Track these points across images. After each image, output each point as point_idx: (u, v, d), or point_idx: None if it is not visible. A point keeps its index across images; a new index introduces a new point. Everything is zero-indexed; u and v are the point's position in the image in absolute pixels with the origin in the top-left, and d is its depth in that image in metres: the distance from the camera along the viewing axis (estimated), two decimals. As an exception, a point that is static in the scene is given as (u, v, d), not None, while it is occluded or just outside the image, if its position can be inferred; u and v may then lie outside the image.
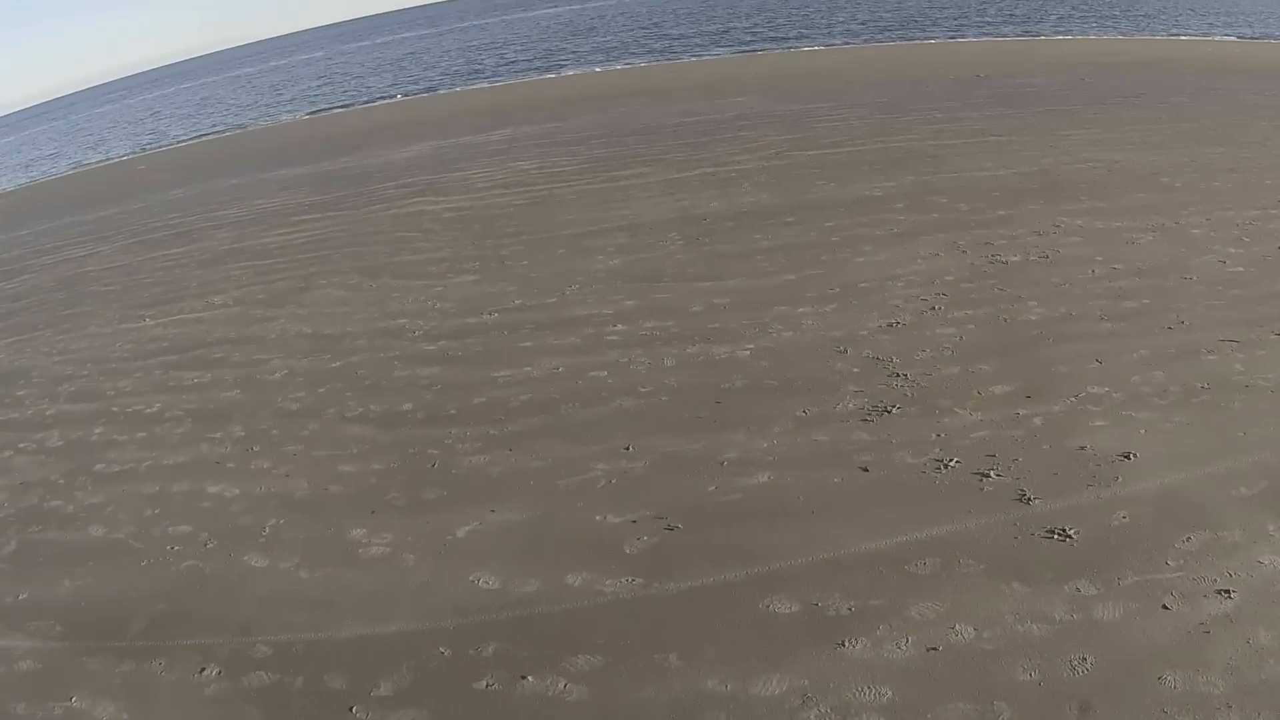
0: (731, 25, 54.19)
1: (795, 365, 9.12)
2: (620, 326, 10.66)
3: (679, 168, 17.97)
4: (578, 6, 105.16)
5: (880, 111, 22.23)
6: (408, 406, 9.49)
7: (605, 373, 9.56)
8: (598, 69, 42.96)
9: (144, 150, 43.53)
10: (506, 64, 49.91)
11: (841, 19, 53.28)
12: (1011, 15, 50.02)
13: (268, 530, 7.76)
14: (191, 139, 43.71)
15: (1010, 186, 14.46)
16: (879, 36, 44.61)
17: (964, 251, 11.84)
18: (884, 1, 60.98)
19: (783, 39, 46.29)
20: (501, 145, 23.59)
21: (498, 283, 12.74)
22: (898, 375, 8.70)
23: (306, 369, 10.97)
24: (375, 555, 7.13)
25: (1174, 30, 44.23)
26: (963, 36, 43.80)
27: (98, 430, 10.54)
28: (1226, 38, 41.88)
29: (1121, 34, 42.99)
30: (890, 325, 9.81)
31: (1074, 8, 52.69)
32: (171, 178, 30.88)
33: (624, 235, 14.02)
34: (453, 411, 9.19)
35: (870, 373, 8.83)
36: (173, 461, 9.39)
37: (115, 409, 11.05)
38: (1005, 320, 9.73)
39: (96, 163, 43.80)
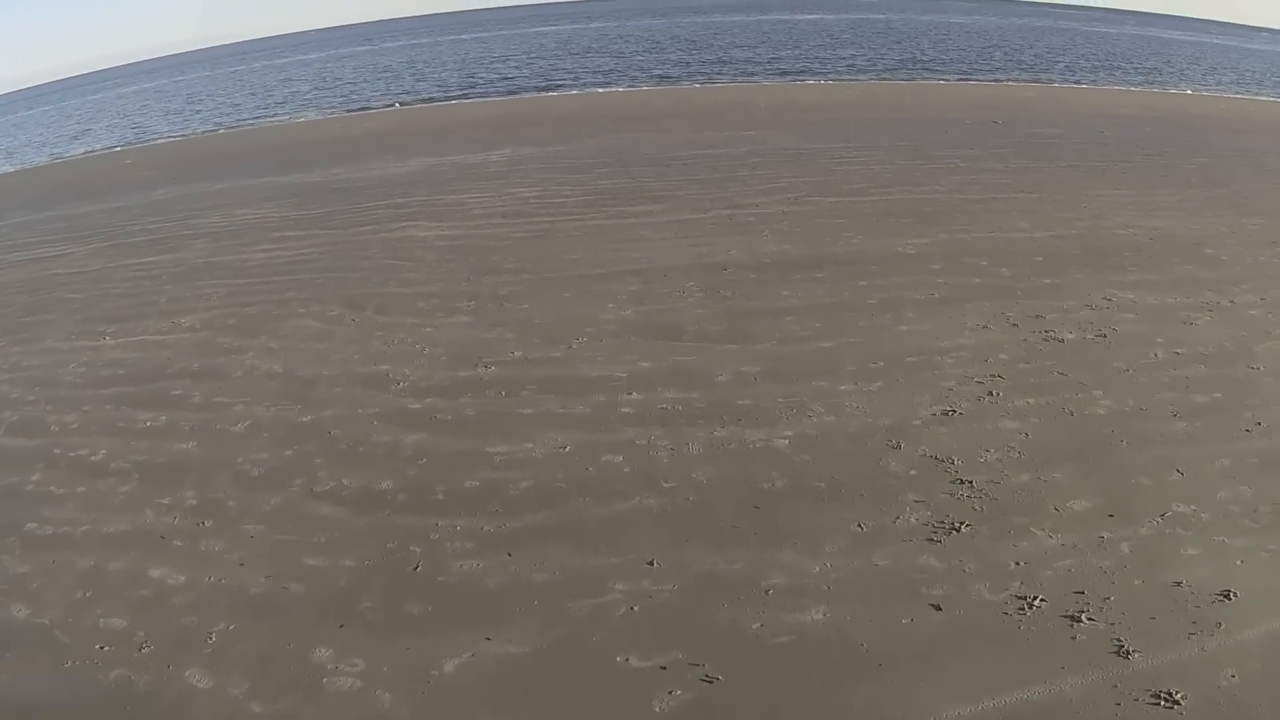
0: (733, 55, 53.26)
1: (843, 462, 7.83)
2: (636, 395, 9.32)
3: (693, 207, 16.71)
4: (579, 26, 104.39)
5: (900, 156, 21.20)
6: (388, 485, 8.11)
7: (621, 457, 8.22)
8: (599, 90, 41.76)
9: (132, 143, 41.80)
10: (505, 79, 48.62)
11: (844, 54, 52.64)
12: (1019, 61, 49.45)
13: (215, 637, 6.38)
14: (181, 135, 42.04)
15: (1051, 250, 13.56)
16: (883, 75, 43.81)
17: (1015, 324, 10.85)
18: (886, 41, 60.45)
19: (786, 71, 45.37)
20: (501, 168, 22.25)
21: (495, 327, 11.38)
22: (962, 482, 7.46)
23: (274, 421, 9.55)
24: (343, 689, 5.78)
25: (1181, 83, 43.82)
26: (970, 79, 43.05)
27: (35, 477, 9.14)
28: (1238, 95, 41.52)
29: (1130, 85, 42.47)
30: (946, 413, 8.58)
31: (1080, 56, 52.24)
32: (156, 176, 29.31)
33: (636, 281, 12.72)
34: (440, 496, 7.82)
35: (931, 477, 7.57)
36: (113, 529, 7.98)
37: (58, 450, 9.64)
38: (1072, 413, 8.63)
39: (83, 153, 42.00)
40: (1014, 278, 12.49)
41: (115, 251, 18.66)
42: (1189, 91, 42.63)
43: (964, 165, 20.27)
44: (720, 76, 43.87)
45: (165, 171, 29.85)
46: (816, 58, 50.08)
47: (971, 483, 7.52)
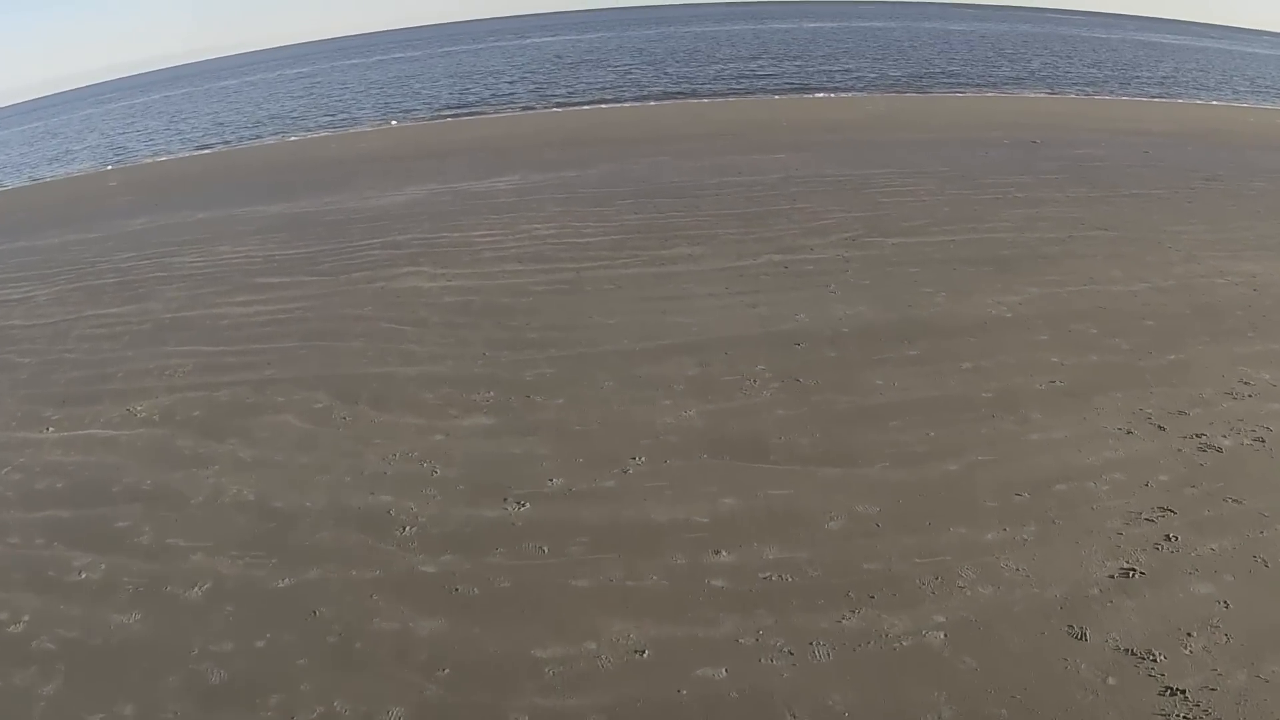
0: (737, 68, 50.66)
1: (1021, 668, 5.62)
2: (726, 556, 6.72)
3: (738, 251, 14.12)
4: (573, 37, 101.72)
5: (950, 184, 18.76)
6: (397, 717, 5.41)
7: (724, 671, 5.68)
8: (603, 105, 39.09)
9: (121, 160, 38.94)
10: (503, 95, 45.86)
11: (852, 66, 50.19)
12: (1031, 71, 47.06)
13: None
14: (169, 154, 39.21)
15: (1158, 310, 11.44)
16: (897, 87, 41.33)
17: (1160, 427, 8.56)
18: (892, 51, 58.01)
19: (797, 85, 42.80)
20: (510, 197, 19.59)
21: (524, 436, 8.74)
22: (1173, 692, 5.23)
23: (241, 587, 6.94)
24: None
25: (1201, 93, 41.58)
26: (985, 92, 40.64)
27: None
28: (1261, 106, 39.42)
29: (1150, 97, 40.09)
30: (1124, 574, 6.42)
31: (1090, 65, 49.88)
32: (138, 201, 26.61)
33: (692, 361, 10.09)
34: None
35: (1133, 685, 5.58)
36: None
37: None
38: (1265, 563, 6.52)
39: (67, 175, 39.07)
40: (1134, 352, 10.21)
41: (81, 297, 16.01)
42: (1213, 102, 40.50)
43: (1021, 195, 17.84)
44: (730, 92, 41.26)
45: (148, 196, 27.17)
46: (824, 70, 47.63)
47: (1184, 693, 5.16)
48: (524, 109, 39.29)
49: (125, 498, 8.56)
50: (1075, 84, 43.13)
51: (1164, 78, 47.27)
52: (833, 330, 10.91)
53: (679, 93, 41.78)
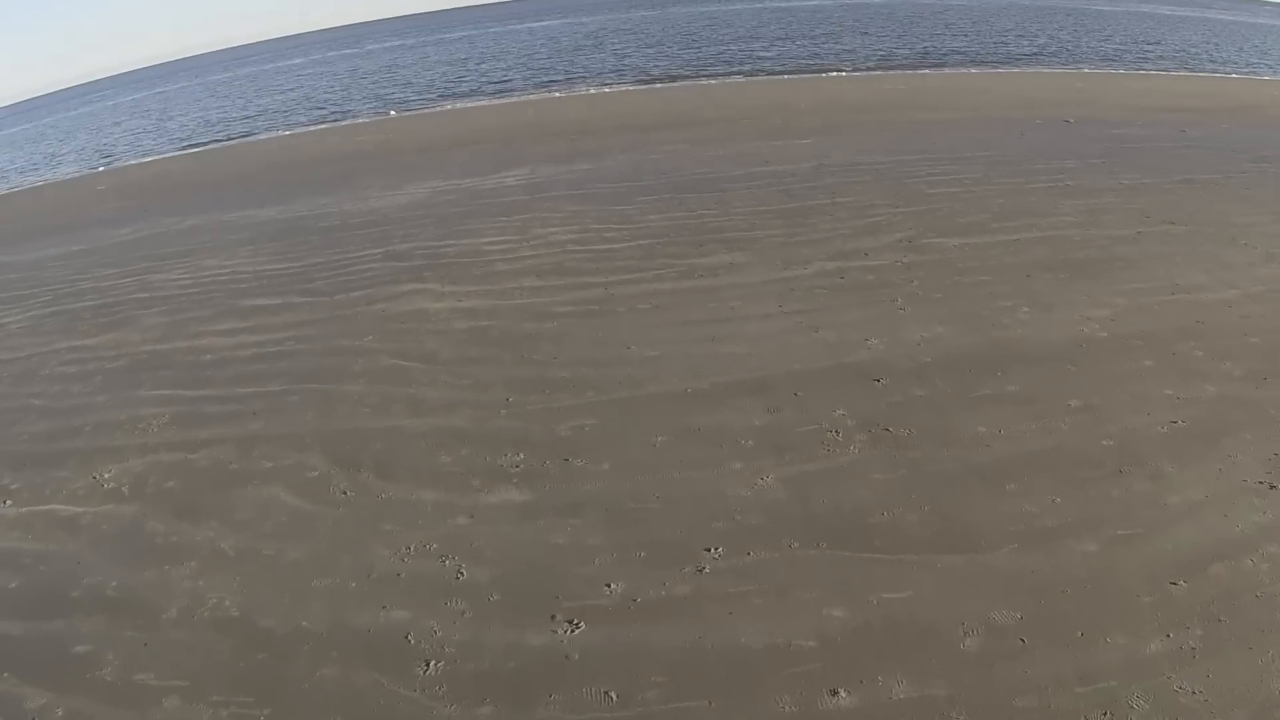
0: (741, 48, 48.44)
1: None
2: (846, 697, 5.11)
3: (784, 257, 12.29)
4: (569, 21, 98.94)
5: (996, 172, 16.95)
6: None
7: None
8: (607, 89, 36.96)
9: (111, 161, 36.87)
10: (503, 82, 43.66)
11: (857, 44, 48.09)
12: (1040, 46, 45.10)
13: None
14: (161, 154, 37.13)
15: (1259, 324, 9.85)
16: (908, 66, 39.22)
17: None
18: (894, 27, 55.78)
19: (806, 65, 40.66)
20: (521, 194, 17.68)
21: (566, 517, 6.96)
22: None
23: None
24: None
25: (1222, 66, 39.53)
26: (999, 68, 38.53)
27: None
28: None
29: (1168, 70, 38.05)
30: None
31: (1100, 39, 47.66)
32: (126, 208, 24.70)
33: (758, 406, 8.27)
34: None
35: None
36: None
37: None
38: None
39: (56, 178, 36.94)
40: (1248, 379, 8.59)
41: (55, 325, 14.24)
42: (1232, 76, 38.57)
43: (1073, 183, 16.08)
44: (736, 72, 39.14)
45: (137, 201, 25.29)
46: (830, 49, 45.36)
47: None
48: (527, 96, 37.13)
49: (87, 605, 6.78)
50: (1090, 59, 41.00)
51: (1178, 51, 45.07)
52: (913, 360, 9.08)
53: (684, 74, 39.65)
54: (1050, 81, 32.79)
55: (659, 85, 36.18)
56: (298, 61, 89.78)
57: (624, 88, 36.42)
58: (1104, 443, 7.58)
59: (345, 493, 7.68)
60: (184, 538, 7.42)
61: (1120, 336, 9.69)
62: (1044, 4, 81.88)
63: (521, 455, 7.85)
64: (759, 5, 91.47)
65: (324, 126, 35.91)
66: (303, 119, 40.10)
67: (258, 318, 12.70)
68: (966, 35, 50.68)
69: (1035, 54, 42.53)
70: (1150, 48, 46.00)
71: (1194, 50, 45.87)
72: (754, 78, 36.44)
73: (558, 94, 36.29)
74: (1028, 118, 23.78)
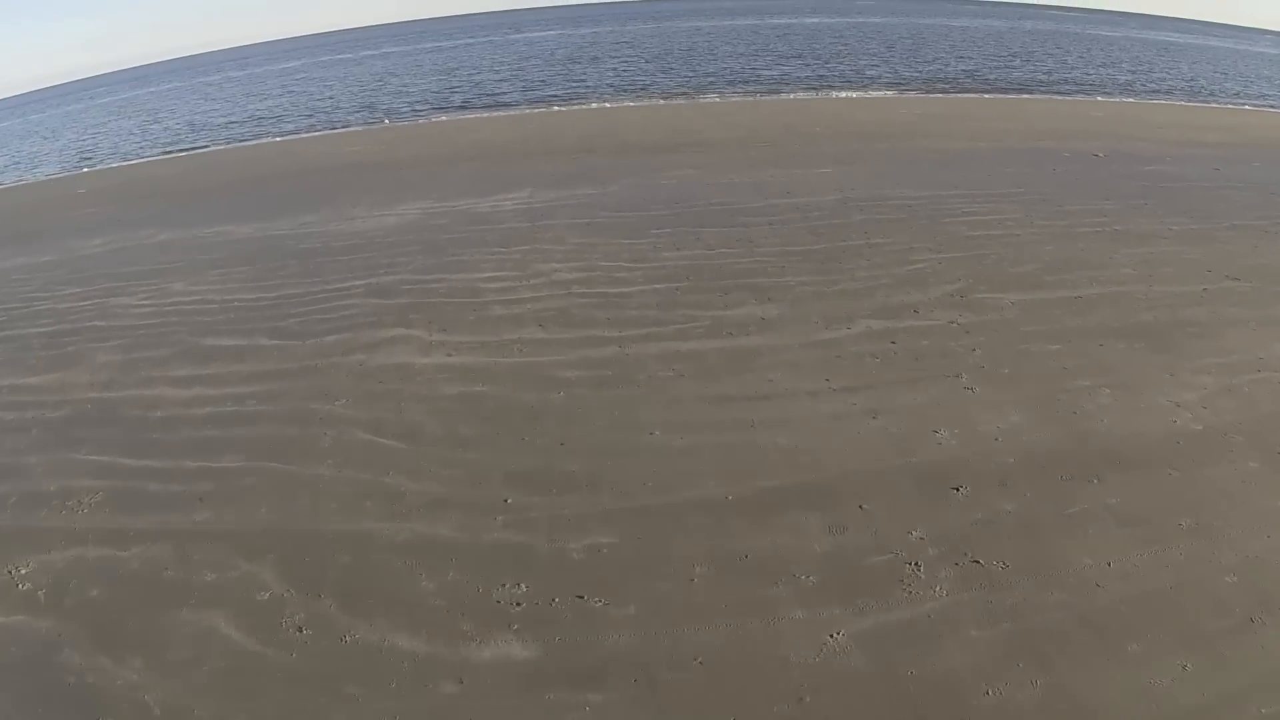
0: (744, 65, 46.93)
1: None
2: None
3: (823, 312, 10.64)
4: (565, 32, 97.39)
5: (1036, 212, 15.57)
6: None
7: None
8: (608, 104, 35.26)
9: (94, 166, 34.82)
10: (503, 93, 41.90)
11: (861, 65, 46.65)
12: (1047, 72, 43.77)
13: None
14: (147, 157, 35.16)
15: None
16: (915, 87, 37.92)
17: None
18: (900, 48, 54.51)
19: (812, 84, 39.11)
20: (520, 221, 15.95)
21: (583, 687, 5.46)
22: None
23: None
24: None
25: (1234, 98, 38.40)
26: (1009, 94, 37.12)
27: None
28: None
29: (1179, 100, 36.83)
30: None
31: (1106, 66, 46.30)
32: (102, 215, 22.89)
33: (816, 524, 6.66)
34: None
35: None
36: None
37: None
38: None
39: (39, 177, 34.86)
40: None
41: (2, 353, 12.35)
42: (1245, 106, 37.37)
43: (1120, 228, 14.66)
44: (741, 90, 37.53)
45: (113, 208, 23.48)
46: (836, 69, 43.83)
47: None
48: (526, 110, 35.38)
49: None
50: (1102, 88, 39.65)
51: (1188, 81, 43.86)
52: (993, 461, 7.40)
53: (688, 91, 38.03)
54: (1066, 109, 31.36)
55: (661, 102, 34.48)
56: (293, 65, 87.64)
57: (627, 103, 34.72)
58: (1227, 579, 6.01)
59: (301, 630, 5.91)
60: (101, 680, 5.67)
61: (1216, 430, 8.12)
62: (1045, 28, 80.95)
63: (523, 586, 6.10)
64: (758, 21, 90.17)
65: (314, 134, 34.05)
66: (292, 125, 38.26)
67: (219, 363, 10.91)
68: (971, 58, 49.36)
69: (1045, 80, 41.18)
70: (1160, 77, 44.77)
71: (1203, 80, 44.67)
72: (761, 97, 34.80)
73: (558, 108, 34.56)
74: (1055, 150, 22.27)
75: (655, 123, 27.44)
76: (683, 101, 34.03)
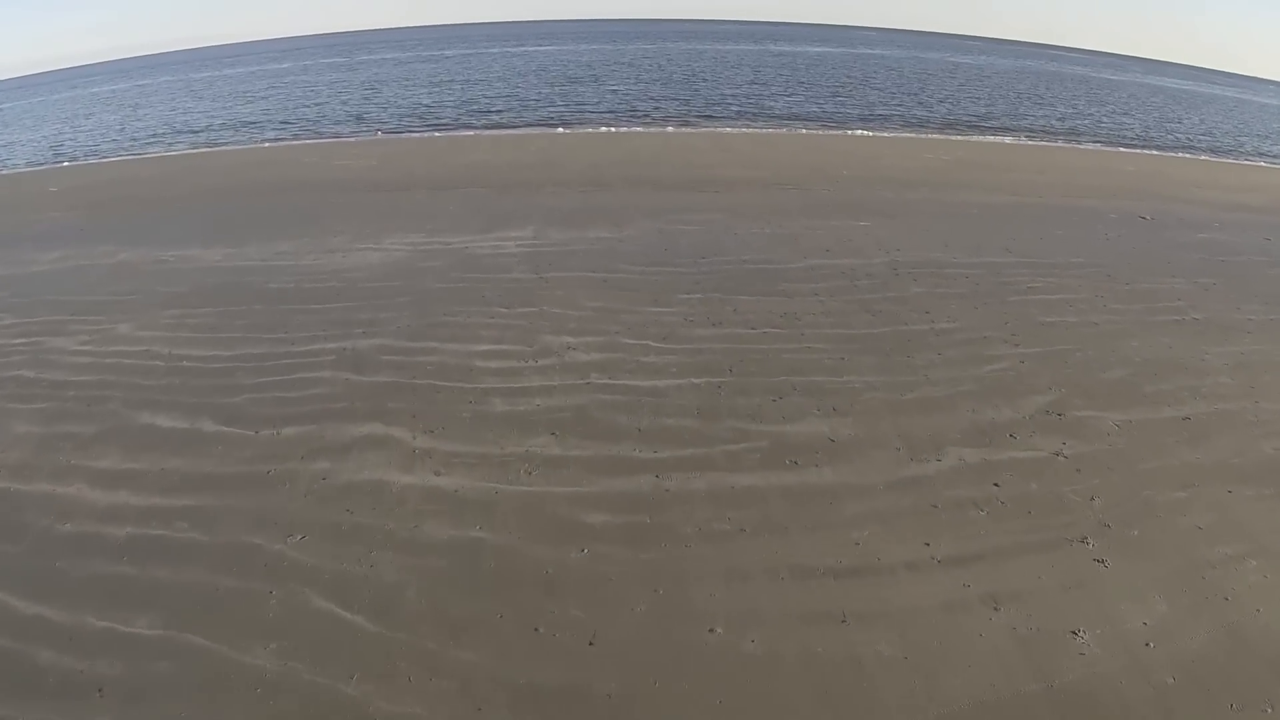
0: (749, 93, 44.94)
1: None
2: None
3: (903, 434, 8.60)
4: (565, 47, 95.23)
5: (1099, 287, 14.43)
6: None
7: None
8: (614, 129, 33.05)
9: (74, 161, 32.12)
10: (504, 109, 39.53)
11: (872, 98, 44.71)
12: (1058, 116, 42.10)
13: None
14: (125, 156, 32.54)
15: None
16: (930, 127, 36.12)
17: None
18: (908, 85, 52.87)
19: (824, 119, 37.12)
20: (525, 271, 13.78)
21: None
22: None
23: None
24: None
25: (1250, 157, 36.80)
26: (1032, 139, 35.35)
27: None
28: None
29: (1202, 155, 35.31)
30: None
31: (1119, 113, 44.71)
32: (67, 222, 20.48)
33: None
34: None
35: None
36: None
37: None
38: None
39: (14, 170, 32.05)
40: None
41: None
42: (1275, 165, 35.88)
43: (1199, 316, 13.21)
44: (746, 120, 35.47)
45: (81, 214, 21.08)
46: (847, 107, 41.87)
47: None
48: (526, 129, 33.10)
49: None
50: (1121, 138, 37.93)
51: (1204, 134, 42.38)
52: (1150, 680, 5.49)
53: (695, 119, 35.90)
54: (1096, 162, 29.54)
55: (670, 130, 32.31)
56: (285, 66, 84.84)
57: (635, 129, 32.52)
58: None
59: None
60: None
61: None
62: (1051, 69, 79.79)
63: None
64: (758, 47, 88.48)
65: (301, 142, 31.60)
66: (277, 132, 35.77)
67: (152, 454, 8.61)
68: (982, 99, 47.69)
69: (1060, 128, 39.46)
70: (1174, 127, 43.24)
71: (1219, 133, 43.16)
72: (774, 130, 32.71)
73: (562, 130, 32.30)
74: (1099, 210, 20.40)
75: (668, 154, 25.27)
76: (693, 131, 31.87)
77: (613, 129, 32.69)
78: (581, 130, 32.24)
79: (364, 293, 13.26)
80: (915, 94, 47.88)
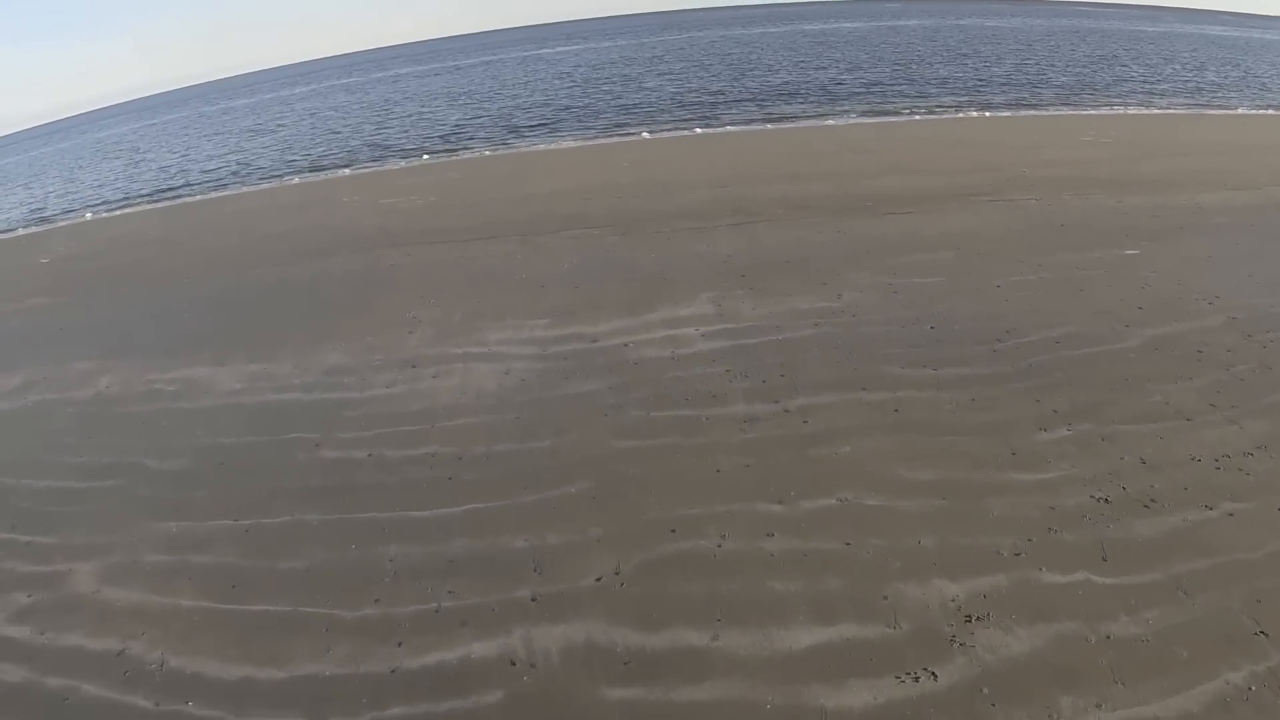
0: (791, 80, 38.00)
1: None
2: None
3: None
4: (597, 44, 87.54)
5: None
6: None
7: None
8: (645, 134, 26.22)
9: (71, 218, 25.85)
10: (552, 120, 32.59)
11: (932, 75, 37.34)
12: (1093, 83, 34.54)
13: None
14: (126, 207, 26.29)
15: None
16: (995, 104, 28.95)
17: None
18: (946, 52, 45.72)
19: (874, 104, 30.01)
20: (744, 392, 8.12)
21: None
22: None
23: None
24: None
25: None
26: (1084, 108, 28.03)
27: None
28: None
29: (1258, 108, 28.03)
30: None
31: (1168, 72, 37.26)
32: (47, 313, 14.69)
33: None
34: None
35: None
36: None
37: None
38: None
39: (3, 237, 25.72)
40: None
41: None
42: None
43: None
44: (840, 108, 28.68)
45: (64, 301, 15.16)
46: (923, 83, 34.70)
47: None
48: (600, 137, 26.38)
49: None
50: (1171, 97, 30.36)
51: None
52: None
53: (775, 109, 29.06)
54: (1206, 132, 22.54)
55: (769, 126, 25.65)
56: (299, 91, 77.66)
57: (727, 128, 25.86)
58: None
59: None
60: None
61: None
62: (1087, 25, 72.15)
63: None
64: (789, 28, 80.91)
65: (338, 175, 25.11)
66: (307, 166, 29.27)
67: None
68: (1057, 65, 40.32)
69: (1177, 89, 32.07)
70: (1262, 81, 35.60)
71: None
72: (880, 120, 25.81)
73: (645, 135, 25.67)
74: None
75: (793, 159, 18.83)
76: (795, 127, 25.21)
77: (698, 130, 26.03)
78: (663, 135, 25.60)
79: (491, 466, 7.04)
80: (990, 64, 40.74)
